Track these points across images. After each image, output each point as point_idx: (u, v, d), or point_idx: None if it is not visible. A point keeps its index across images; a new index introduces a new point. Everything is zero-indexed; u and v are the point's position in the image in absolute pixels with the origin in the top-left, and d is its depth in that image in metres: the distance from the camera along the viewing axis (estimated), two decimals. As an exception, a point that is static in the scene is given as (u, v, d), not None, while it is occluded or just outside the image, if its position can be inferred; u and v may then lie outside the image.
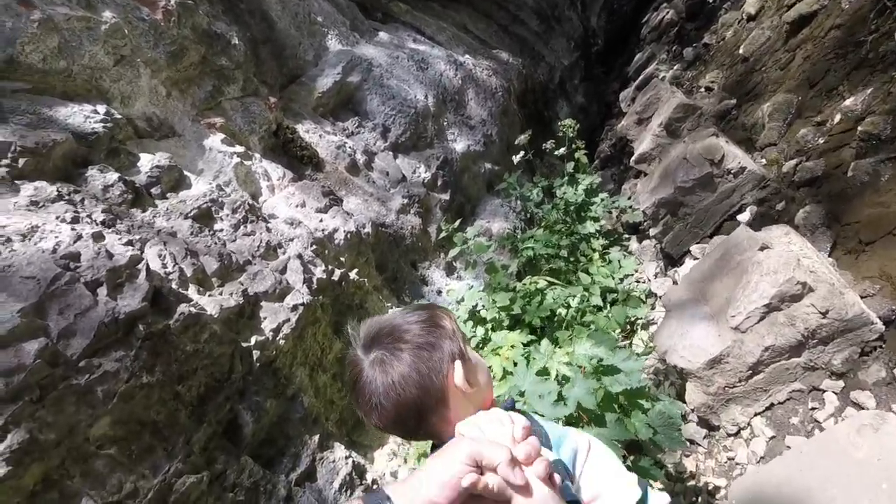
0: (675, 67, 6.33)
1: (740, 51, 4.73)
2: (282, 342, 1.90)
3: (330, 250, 2.49)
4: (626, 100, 6.93)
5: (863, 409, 1.98)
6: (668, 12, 7.93)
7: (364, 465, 2.08)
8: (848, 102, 2.88)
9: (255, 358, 1.80)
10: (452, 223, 3.40)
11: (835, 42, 3.48)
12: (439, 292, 3.18)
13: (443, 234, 3.19)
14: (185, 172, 2.22)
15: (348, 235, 2.64)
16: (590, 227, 3.95)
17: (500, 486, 0.61)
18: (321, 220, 2.61)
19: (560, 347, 2.24)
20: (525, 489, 0.63)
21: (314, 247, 2.35)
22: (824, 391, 2.11)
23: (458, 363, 0.82)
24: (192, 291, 1.72)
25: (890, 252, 2.25)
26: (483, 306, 2.93)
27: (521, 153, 3.98)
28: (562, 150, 4.04)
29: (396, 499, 0.61)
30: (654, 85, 5.60)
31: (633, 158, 4.70)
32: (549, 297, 3.10)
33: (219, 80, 2.70)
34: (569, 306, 2.97)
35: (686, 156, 3.41)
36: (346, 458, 1.97)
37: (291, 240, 2.28)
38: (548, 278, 3.26)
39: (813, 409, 2.12)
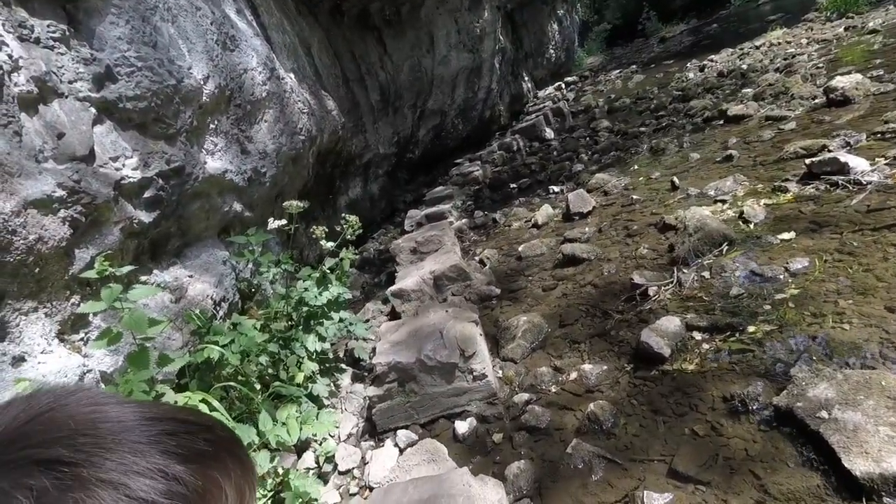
0: (464, 221, 6.53)
1: (519, 249, 5.01)
2: None
3: None
4: (413, 220, 6.81)
5: None
6: (478, 171, 8.56)
7: None
8: (586, 367, 2.92)
9: None
10: (122, 262, 2.13)
11: (588, 298, 3.78)
12: (20, 359, 1.78)
13: (91, 273, 1.91)
14: None
15: None
16: (311, 343, 3.13)
17: None
18: None
19: None
20: None
21: None
22: None
23: None
24: None
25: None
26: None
27: (284, 221, 3.04)
28: (330, 245, 3.25)
29: None
30: (442, 226, 5.52)
31: (391, 289, 4.23)
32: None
33: None
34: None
35: (443, 331, 3.00)
36: None
37: None
38: (213, 401, 2.21)
39: None
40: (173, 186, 2.62)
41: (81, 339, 1.95)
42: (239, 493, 0.45)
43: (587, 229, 4.97)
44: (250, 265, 3.37)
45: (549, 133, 10.17)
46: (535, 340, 3.36)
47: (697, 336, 2.84)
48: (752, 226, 3.79)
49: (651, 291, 3.35)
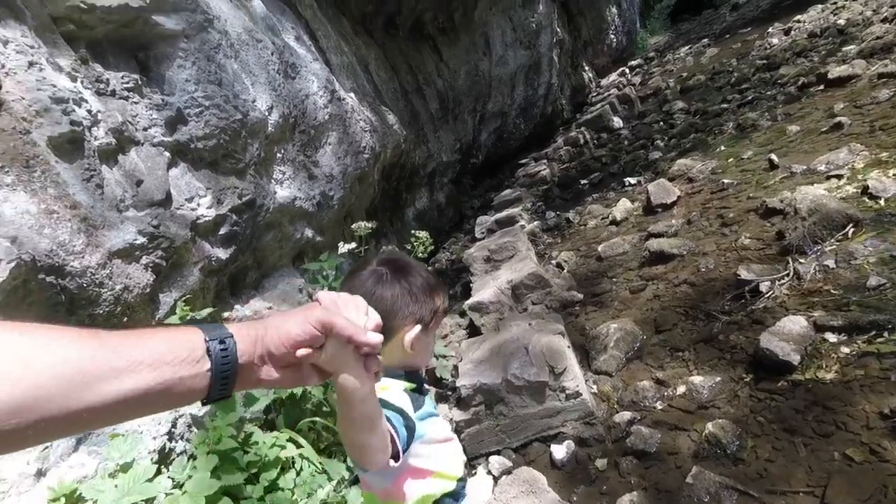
0: (536, 224, 6.26)
1: (599, 248, 4.68)
2: None
3: None
4: (482, 226, 6.63)
5: None
6: (545, 169, 8.24)
7: None
8: (695, 380, 2.59)
9: None
10: (204, 301, 2.14)
11: (685, 299, 3.40)
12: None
13: (174, 318, 1.92)
14: None
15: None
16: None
17: (337, 359, 0.69)
18: None
19: None
20: (357, 370, 0.71)
21: None
22: None
23: (417, 327, 1.04)
24: None
25: None
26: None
27: (354, 244, 2.99)
28: (401, 265, 3.16)
29: (240, 340, 0.61)
30: (514, 231, 5.30)
31: (468, 302, 4.08)
32: (285, 480, 1.99)
33: None
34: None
35: (528, 347, 2.80)
36: None
37: None
38: (299, 439, 2.16)
39: None
40: (246, 220, 2.64)
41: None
42: (443, 304, 1.16)
43: (674, 221, 4.54)
44: (324, 290, 3.35)
45: (617, 122, 9.62)
46: (629, 350, 3.06)
47: (832, 338, 2.42)
48: (882, 201, 3.23)
49: (763, 287, 2.93)
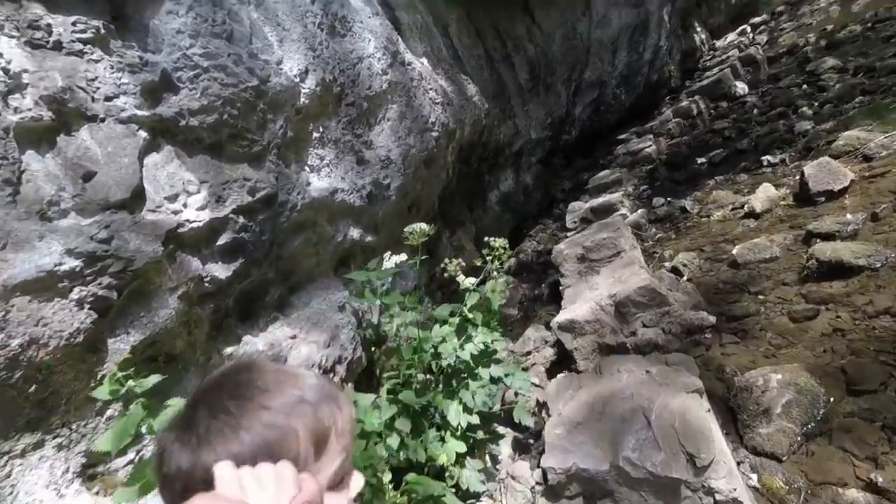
0: (640, 213, 5.15)
1: (733, 251, 3.54)
2: None
3: None
4: (575, 214, 5.64)
5: None
6: (650, 146, 6.97)
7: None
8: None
9: None
10: (191, 338, 1.49)
11: (890, 333, 2.28)
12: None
13: (99, 392, 1.27)
14: None
15: None
16: (454, 415, 2.31)
17: None
18: None
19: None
20: None
21: None
22: None
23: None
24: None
25: None
26: None
27: (404, 256, 2.23)
28: (470, 282, 2.35)
29: None
30: (615, 225, 4.28)
31: (557, 320, 3.20)
32: None
33: None
34: None
35: (650, 413, 1.89)
36: None
37: None
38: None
39: None
40: (263, 222, 1.98)
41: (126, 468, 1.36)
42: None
43: (849, 217, 3.29)
44: (372, 312, 2.66)
45: (741, 88, 8.00)
46: (808, 420, 2.04)
47: None
48: None
49: None
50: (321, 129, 2.45)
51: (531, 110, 6.54)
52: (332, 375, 2.36)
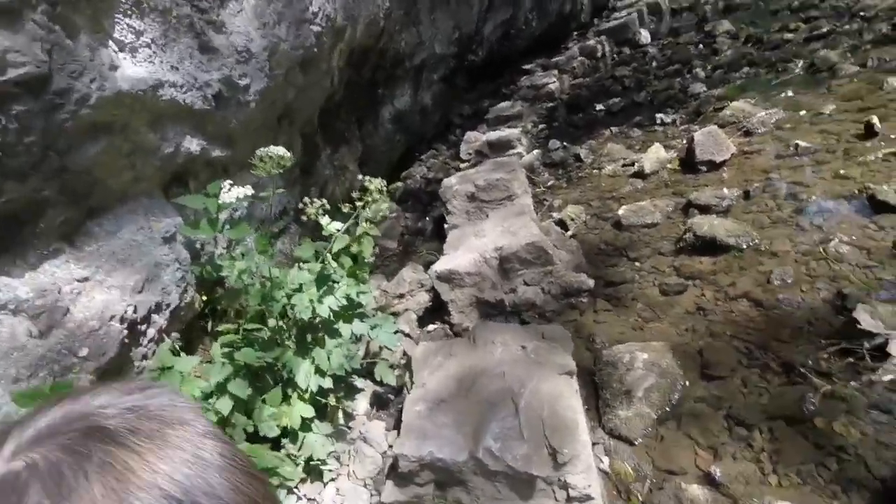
0: (536, 154, 4.96)
1: (619, 211, 3.51)
2: None
3: None
4: (471, 146, 5.30)
5: None
6: (554, 82, 6.72)
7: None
8: None
9: None
10: None
11: (749, 325, 2.35)
12: None
13: None
14: None
15: None
16: (303, 377, 1.97)
17: None
18: None
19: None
20: None
21: None
22: None
23: None
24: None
25: None
26: None
27: (249, 189, 1.71)
28: (334, 227, 1.91)
29: None
30: (510, 166, 4.03)
31: (436, 269, 2.93)
32: None
33: None
34: None
35: (519, 399, 1.73)
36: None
37: None
38: None
39: None
40: (23, 117, 1.31)
41: None
42: None
43: (725, 191, 3.38)
44: (215, 245, 2.12)
45: (644, 36, 7.98)
46: (664, 404, 2.04)
47: None
48: None
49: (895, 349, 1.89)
50: (137, -6, 1.70)
51: (438, 20, 5.82)
52: (145, 327, 1.84)
